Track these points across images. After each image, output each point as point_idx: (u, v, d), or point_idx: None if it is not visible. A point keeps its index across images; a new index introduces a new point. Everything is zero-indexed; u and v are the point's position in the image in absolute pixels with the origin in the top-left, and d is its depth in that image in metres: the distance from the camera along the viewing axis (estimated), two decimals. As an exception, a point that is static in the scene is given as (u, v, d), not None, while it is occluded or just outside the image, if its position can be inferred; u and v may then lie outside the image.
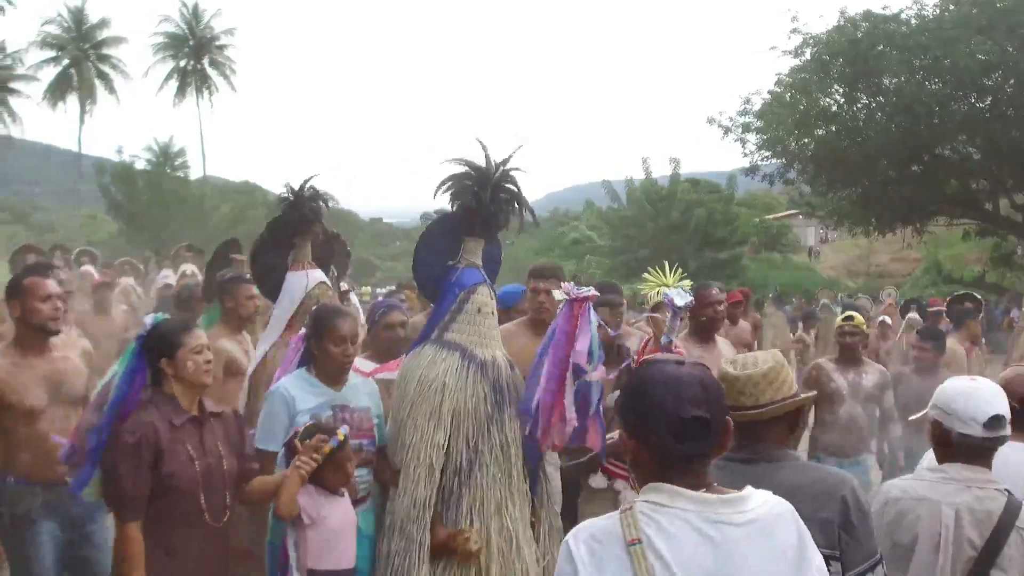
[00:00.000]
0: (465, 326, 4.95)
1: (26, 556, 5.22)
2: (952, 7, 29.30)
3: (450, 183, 5.01)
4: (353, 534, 4.65)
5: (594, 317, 4.97)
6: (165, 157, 50.59)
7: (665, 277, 6.59)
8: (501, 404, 4.90)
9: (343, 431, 4.56)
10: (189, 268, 12.73)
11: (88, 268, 13.70)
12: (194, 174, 55.70)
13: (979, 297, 13.10)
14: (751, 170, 34.24)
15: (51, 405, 5.28)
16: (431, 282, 5.17)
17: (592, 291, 4.98)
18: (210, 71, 73.62)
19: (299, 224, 6.10)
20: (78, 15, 69.09)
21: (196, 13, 73.11)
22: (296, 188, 6.11)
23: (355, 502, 4.89)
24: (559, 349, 4.86)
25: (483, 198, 4.90)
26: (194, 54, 72.84)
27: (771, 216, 58.30)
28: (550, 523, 5.16)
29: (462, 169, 4.98)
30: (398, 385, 5.06)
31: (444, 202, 5.07)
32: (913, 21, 29.84)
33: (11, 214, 48.22)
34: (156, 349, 4.40)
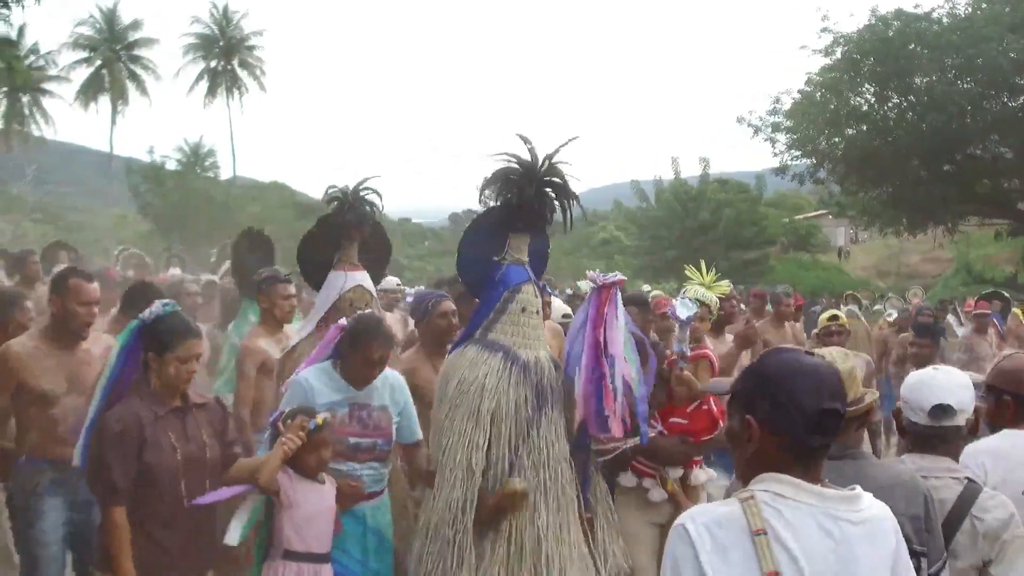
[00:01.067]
0: (509, 326, 4.90)
1: (32, 528, 5.36)
2: (984, 5, 29.18)
3: (495, 178, 4.95)
4: (330, 520, 4.66)
5: (623, 310, 4.94)
6: (195, 157, 50.78)
7: (703, 277, 6.55)
8: (543, 406, 4.83)
9: (323, 416, 4.59)
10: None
11: (176, 271, 13.59)
12: (224, 174, 55.97)
13: (1007, 296, 12.94)
14: (781, 170, 34.15)
15: (68, 394, 5.35)
16: (475, 278, 5.12)
17: (619, 276, 4.93)
18: (240, 72, 73.93)
19: (346, 226, 6.10)
20: (110, 16, 69.50)
21: (226, 14, 73.45)
22: (347, 190, 6.11)
23: (367, 496, 4.94)
24: (590, 336, 4.82)
25: (528, 193, 4.84)
26: (224, 55, 73.12)
27: (800, 216, 57.95)
28: (607, 519, 5.10)
29: (507, 163, 4.93)
30: (439, 385, 5.03)
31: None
32: (945, 20, 29.72)
33: (43, 214, 48.45)
34: (149, 341, 4.42)
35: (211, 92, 72.69)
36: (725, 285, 6.51)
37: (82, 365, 5.43)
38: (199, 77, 72.92)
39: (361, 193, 6.09)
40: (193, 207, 42.09)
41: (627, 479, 5.49)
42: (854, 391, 3.32)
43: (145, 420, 4.32)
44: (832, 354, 3.45)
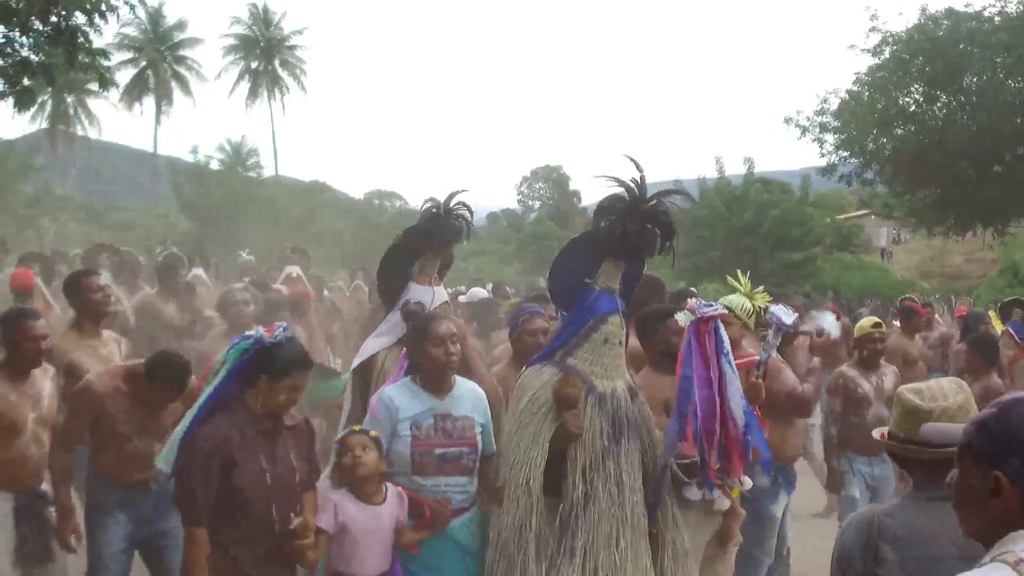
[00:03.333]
0: (589, 354, 4.83)
1: (99, 540, 5.53)
2: (1036, 4, 28.88)
3: (602, 205, 4.89)
4: (382, 541, 4.63)
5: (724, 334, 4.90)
6: (237, 157, 51.04)
7: (742, 284, 6.54)
8: (619, 437, 4.78)
9: (375, 433, 4.64)
10: (295, 270, 12.36)
11: (199, 272, 13.13)
12: (266, 174, 56.15)
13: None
14: (828, 170, 33.95)
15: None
16: (563, 293, 5.07)
17: (719, 308, 4.89)
18: (281, 72, 74.28)
19: (440, 241, 5.96)
20: (155, 17, 69.96)
21: (266, 15, 73.79)
22: (440, 201, 5.94)
23: (455, 512, 4.87)
24: (700, 372, 4.80)
25: (631, 227, 4.75)
26: (265, 56, 73.49)
27: (842, 216, 57.57)
28: (675, 546, 5.00)
29: (616, 188, 4.84)
30: (514, 396, 4.97)
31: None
32: (996, 18, 29.39)
33: (87, 213, 48.87)
34: (265, 364, 4.36)
35: (253, 93, 73.07)
36: (763, 294, 6.48)
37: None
38: (240, 77, 73.35)
39: (454, 207, 5.93)
40: (237, 207, 42.25)
41: (692, 492, 5.42)
42: None
43: (235, 441, 4.29)
44: (943, 386, 3.30)
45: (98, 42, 9.44)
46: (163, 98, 68.18)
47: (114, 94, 68.00)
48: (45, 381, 5.83)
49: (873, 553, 3.16)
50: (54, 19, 8.68)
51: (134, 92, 68.74)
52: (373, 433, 4.69)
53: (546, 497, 4.70)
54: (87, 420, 5.49)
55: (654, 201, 4.83)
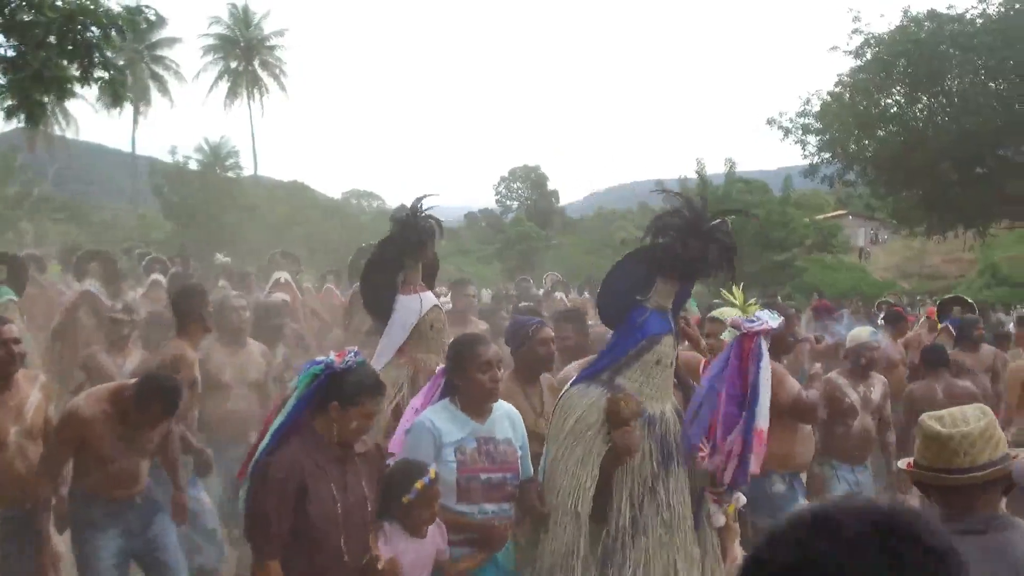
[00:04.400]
0: (639, 375, 4.71)
1: (89, 555, 5.52)
2: (1017, 6, 29.03)
3: (662, 221, 4.73)
4: (423, 570, 4.49)
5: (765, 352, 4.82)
6: (216, 157, 50.79)
7: (736, 298, 6.56)
8: (667, 462, 4.68)
9: (433, 468, 4.42)
10: (283, 276, 12.00)
11: (158, 277, 12.92)
12: (245, 174, 55.94)
13: (970, 301, 12.66)
14: (811, 171, 34.05)
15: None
16: (613, 310, 4.91)
17: (766, 323, 4.81)
18: (260, 73, 73.85)
19: (415, 245, 5.94)
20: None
21: (246, 15, 73.40)
22: (408, 206, 5.95)
23: (504, 538, 4.77)
24: (733, 387, 4.73)
25: (691, 246, 4.59)
26: (244, 56, 73.10)
27: (821, 216, 57.80)
28: (712, 570, 4.93)
29: (676, 203, 4.73)
30: (556, 418, 4.85)
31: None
32: (978, 21, 29.54)
33: (65, 214, 48.53)
34: (337, 390, 4.19)
35: (232, 93, 72.66)
36: (755, 306, 6.50)
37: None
38: (219, 77, 72.91)
39: (422, 208, 5.94)
40: (218, 207, 42.05)
41: (719, 519, 5.41)
42: (990, 452, 3.08)
43: (307, 468, 4.11)
44: (965, 412, 3.23)
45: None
46: (141, 98, 67.55)
47: (91, 93, 67.63)
48: (32, 390, 5.71)
49: None
50: (70, 34, 8.55)
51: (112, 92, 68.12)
52: (433, 473, 4.43)
53: (593, 520, 4.59)
54: (72, 447, 5.45)
55: (717, 220, 4.67)
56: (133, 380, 5.68)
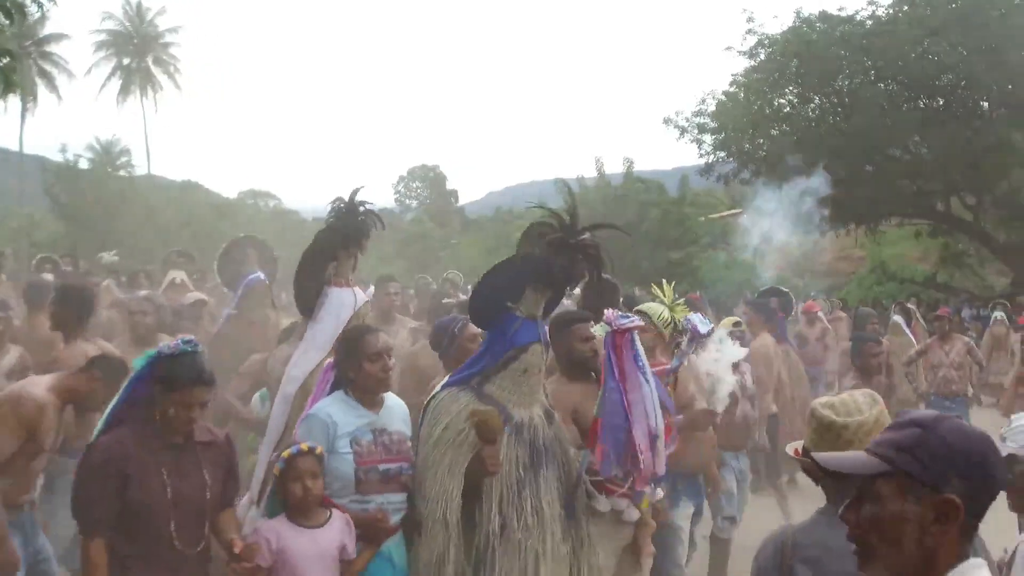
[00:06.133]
0: (507, 383, 4.75)
1: None
2: (906, 8, 29.73)
3: (531, 233, 4.86)
4: (323, 565, 4.45)
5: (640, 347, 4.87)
6: (107, 156, 49.77)
7: (664, 296, 6.53)
8: (537, 466, 4.72)
9: (310, 444, 4.46)
10: (179, 276, 11.81)
11: (47, 277, 12.61)
12: (138, 173, 54.90)
13: (787, 291, 13.01)
14: (706, 170, 34.48)
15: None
16: (483, 314, 4.94)
17: (637, 320, 4.86)
18: (154, 69, 72.61)
19: (351, 239, 5.82)
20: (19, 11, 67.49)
21: (140, 11, 72.11)
22: (347, 200, 5.82)
23: (392, 529, 4.75)
24: (611, 383, 4.78)
25: (560, 260, 4.68)
26: (138, 52, 71.74)
27: (716, 215, 58.64)
28: (589, 566, 4.93)
29: (546, 218, 4.80)
30: (427, 418, 4.84)
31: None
32: (867, 23, 30.18)
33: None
34: (160, 376, 4.23)
35: (124, 90, 71.28)
36: (683, 307, 6.51)
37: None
38: (111, 74, 71.47)
39: (358, 202, 5.83)
40: (111, 207, 41.18)
41: (602, 504, 5.36)
42: None
43: (133, 453, 4.14)
44: (857, 400, 3.26)
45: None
46: (28, 95, 65.74)
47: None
48: None
49: (788, 573, 3.11)
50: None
51: (-4, 88, 66.32)
52: (319, 450, 4.48)
53: (463, 529, 4.59)
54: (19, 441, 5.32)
55: (585, 235, 4.74)
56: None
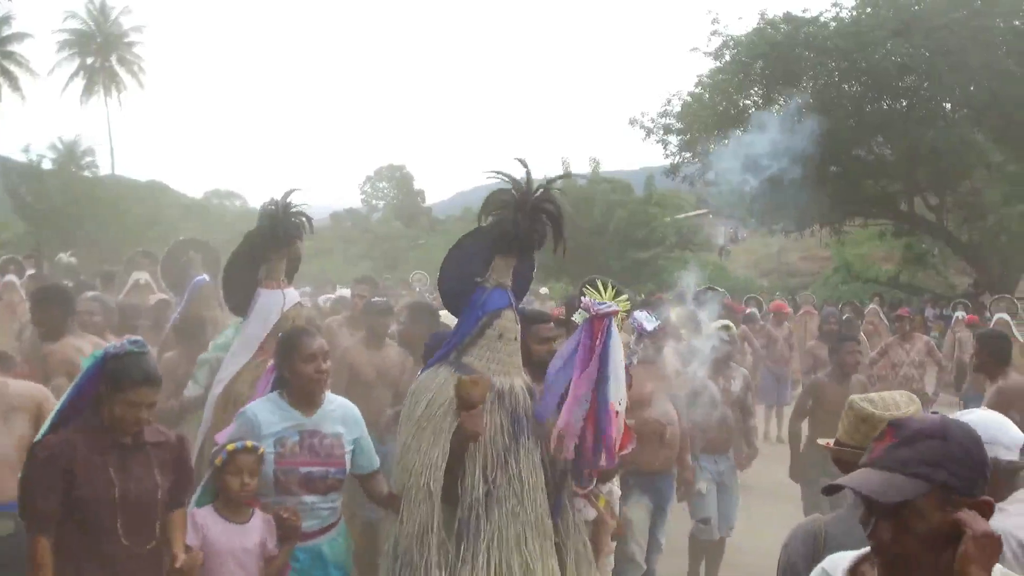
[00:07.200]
0: (485, 351, 4.79)
1: None
2: (869, 10, 29.90)
3: (489, 200, 4.86)
4: (250, 560, 4.53)
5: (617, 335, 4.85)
6: (71, 156, 49.40)
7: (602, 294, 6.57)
8: (518, 434, 4.72)
9: (253, 444, 4.57)
10: (143, 277, 11.62)
11: (11, 278, 12.67)
12: (102, 173, 54.48)
13: (720, 290, 13.24)
14: (672, 170, 34.53)
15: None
16: (454, 296, 4.99)
17: (614, 306, 4.84)
18: (118, 68, 72.12)
19: (281, 239, 5.84)
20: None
21: (104, 10, 71.60)
22: (278, 200, 5.84)
23: (321, 530, 4.84)
24: (586, 369, 4.73)
25: (520, 219, 4.73)
26: (101, 52, 71.24)
27: (681, 215, 58.84)
28: (577, 552, 4.93)
29: (502, 184, 4.83)
30: (409, 400, 4.87)
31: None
32: (831, 24, 30.33)
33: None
34: (106, 376, 4.24)
35: (88, 90, 70.74)
36: (626, 301, 6.55)
37: None
38: (75, 74, 70.90)
39: (292, 204, 5.86)
40: (76, 207, 40.88)
41: (588, 513, 5.38)
42: None
43: (79, 452, 4.16)
44: (895, 397, 3.38)
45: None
46: (-11, 95, 65.08)
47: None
48: None
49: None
50: None
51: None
52: (261, 450, 4.57)
53: (445, 501, 4.61)
54: None
55: (541, 191, 4.79)
56: None
